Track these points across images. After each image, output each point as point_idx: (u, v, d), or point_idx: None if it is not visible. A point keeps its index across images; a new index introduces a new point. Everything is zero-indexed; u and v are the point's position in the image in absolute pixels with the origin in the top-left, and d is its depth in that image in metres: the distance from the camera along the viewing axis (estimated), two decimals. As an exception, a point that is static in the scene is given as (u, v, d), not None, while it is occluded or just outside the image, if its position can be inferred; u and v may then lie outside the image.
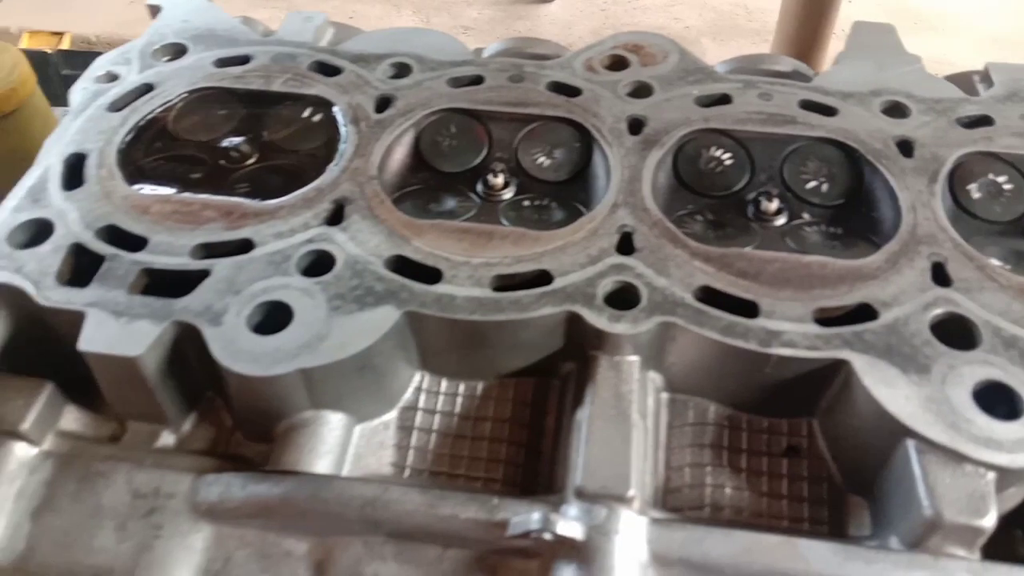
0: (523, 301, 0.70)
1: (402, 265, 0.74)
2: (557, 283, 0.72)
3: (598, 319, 0.69)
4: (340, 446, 0.70)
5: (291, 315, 0.69)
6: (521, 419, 0.74)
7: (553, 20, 4.18)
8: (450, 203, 0.83)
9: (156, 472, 0.70)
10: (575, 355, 0.73)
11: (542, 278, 0.73)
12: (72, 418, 0.74)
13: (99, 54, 2.67)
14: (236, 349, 0.67)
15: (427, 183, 0.87)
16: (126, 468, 0.71)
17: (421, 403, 0.75)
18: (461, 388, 0.76)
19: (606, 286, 0.72)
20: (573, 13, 4.24)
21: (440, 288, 0.72)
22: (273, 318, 0.70)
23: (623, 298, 0.71)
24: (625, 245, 0.76)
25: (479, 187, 0.85)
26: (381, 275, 0.73)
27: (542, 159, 0.87)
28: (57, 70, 2.57)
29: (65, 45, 3.51)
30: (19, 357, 0.76)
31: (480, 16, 4.27)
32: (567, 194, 0.85)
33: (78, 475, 0.71)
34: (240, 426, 0.74)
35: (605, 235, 0.76)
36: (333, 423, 0.70)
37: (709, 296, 0.72)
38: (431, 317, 0.70)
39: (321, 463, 0.69)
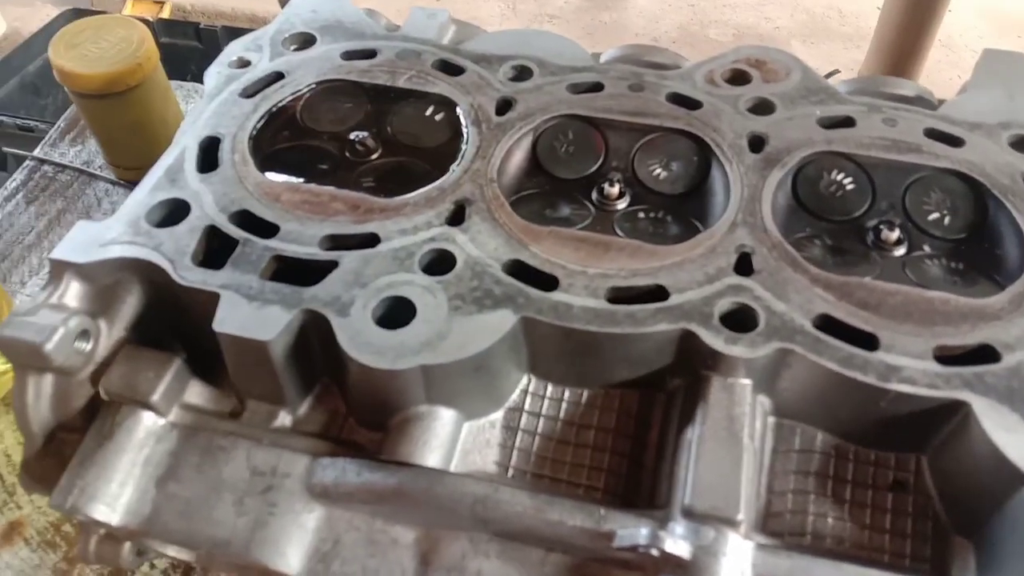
0: (638, 315, 0.71)
1: (520, 270, 0.76)
2: (673, 299, 0.72)
3: (714, 340, 0.69)
4: (450, 441, 0.73)
5: (414, 312, 0.72)
6: (625, 430, 0.75)
7: (640, 12, 4.14)
8: (565, 210, 0.84)
9: (274, 451, 0.74)
10: (684, 372, 0.74)
11: (658, 293, 0.73)
12: (196, 392, 0.78)
13: (195, 24, 2.74)
14: (362, 341, 0.69)
15: (542, 188, 0.88)
16: (246, 445, 0.74)
17: (527, 405, 0.76)
18: (566, 394, 0.77)
19: (723, 306, 0.72)
20: (661, 7, 4.18)
21: (556, 296, 0.73)
22: (397, 313, 0.72)
23: (740, 320, 0.71)
24: (744, 266, 0.76)
25: (594, 195, 0.86)
26: (499, 278, 0.74)
27: (659, 171, 0.88)
28: (156, 38, 2.67)
29: (165, 14, 3.63)
30: (148, 329, 0.81)
31: (567, 5, 4.25)
32: (683, 208, 0.85)
33: (201, 448, 0.75)
34: (354, 413, 0.77)
35: (723, 254, 0.76)
36: (445, 419, 0.73)
37: (828, 325, 0.71)
38: (546, 324, 0.71)
39: (432, 456, 0.71)
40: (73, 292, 0.77)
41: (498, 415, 0.76)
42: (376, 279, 0.74)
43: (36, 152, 1.52)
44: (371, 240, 0.78)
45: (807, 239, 0.82)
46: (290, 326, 0.72)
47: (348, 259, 0.76)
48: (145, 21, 2.57)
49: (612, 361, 0.74)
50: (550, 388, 0.77)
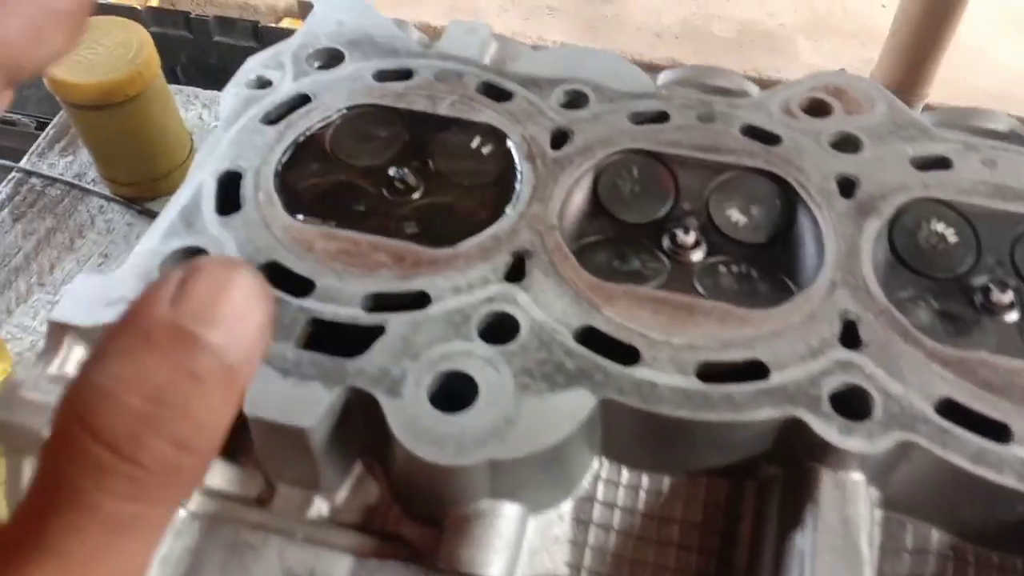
0: (736, 398, 0.62)
1: (593, 338, 0.66)
2: (775, 378, 0.63)
3: (827, 431, 0.60)
4: (516, 541, 0.63)
5: (476, 390, 0.62)
6: (713, 525, 0.66)
7: (642, 6, 4.03)
8: (635, 261, 0.75)
9: (311, 549, 0.64)
10: (782, 459, 0.65)
11: (756, 370, 0.64)
12: (219, 474, 0.68)
13: (184, 13, 2.58)
14: (418, 428, 0.60)
15: (606, 233, 0.78)
16: (278, 542, 0.64)
17: (600, 495, 0.67)
18: (645, 481, 0.67)
19: (833, 387, 0.63)
20: (664, 1, 4.08)
21: (639, 372, 0.63)
22: (456, 391, 0.63)
23: (854, 405, 0.62)
24: (849, 336, 0.66)
25: (665, 242, 0.77)
26: (571, 349, 0.65)
27: (737, 216, 0.78)
28: (145, 25, 2.54)
29: (154, 2, 3.48)
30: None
31: (567, -3, 4.13)
32: (767, 260, 0.76)
33: (226, 544, 0.65)
34: (401, 503, 0.67)
35: (825, 321, 0.67)
36: (510, 515, 0.63)
37: (952, 411, 0.62)
38: (629, 408, 0.62)
39: (497, 560, 0.61)
40: (76, 359, 0.67)
41: (567, 506, 0.67)
42: (429, 348, 0.64)
43: (23, 163, 1.41)
44: (420, 300, 0.68)
45: (910, 301, 0.72)
46: (332, 408, 0.62)
47: (396, 323, 0.66)
48: (132, 9, 2.43)
49: (701, 448, 0.65)
50: (625, 474, 0.68)
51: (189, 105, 1.52)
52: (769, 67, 2.62)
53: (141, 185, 1.37)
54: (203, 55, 2.35)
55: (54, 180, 1.41)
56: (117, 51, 1.18)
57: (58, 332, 0.67)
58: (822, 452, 0.61)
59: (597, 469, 0.68)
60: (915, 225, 0.76)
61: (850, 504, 0.61)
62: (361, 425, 0.65)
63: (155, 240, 0.72)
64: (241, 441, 0.67)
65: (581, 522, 0.66)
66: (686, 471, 0.67)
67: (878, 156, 0.80)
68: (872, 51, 3.02)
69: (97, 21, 1.23)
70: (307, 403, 0.61)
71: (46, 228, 1.39)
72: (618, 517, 0.66)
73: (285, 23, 3.09)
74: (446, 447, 0.59)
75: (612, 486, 0.67)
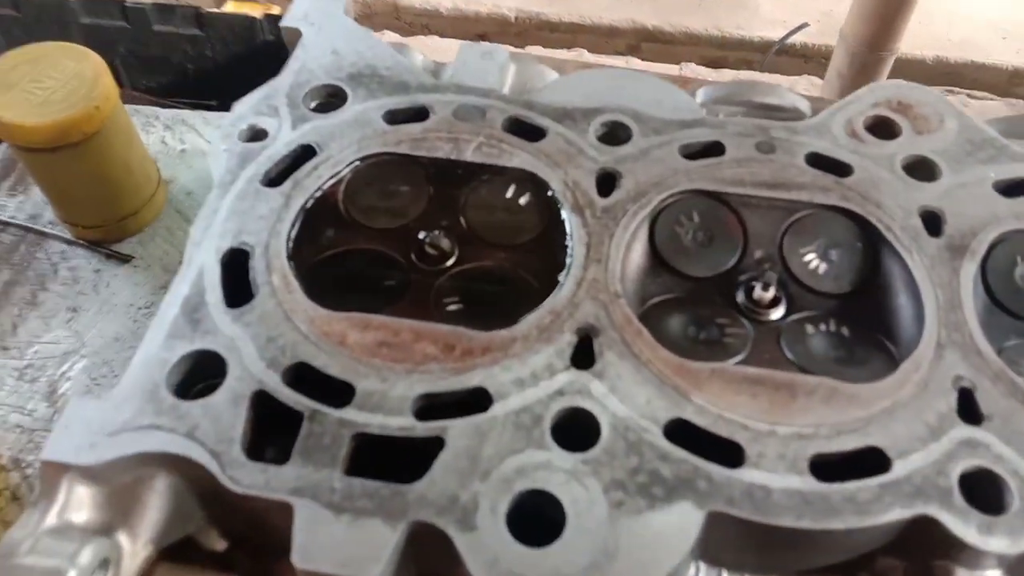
0: (860, 498, 0.54)
1: (687, 434, 0.58)
2: (898, 469, 0.56)
3: (965, 530, 0.53)
4: (617, 677, 0.55)
5: (563, 514, 0.53)
6: (828, 628, 0.59)
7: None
8: (713, 328, 0.66)
9: None
10: (903, 552, 0.58)
11: (875, 459, 0.56)
12: (259, 614, 0.59)
13: (119, 2, 2.38)
14: (505, 571, 0.51)
15: (671, 291, 0.69)
16: None
17: (700, 603, 0.59)
18: (749, 584, 0.60)
19: (962, 475, 0.55)
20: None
21: (747, 474, 0.55)
22: (536, 513, 0.54)
23: (987, 494, 0.55)
24: (968, 409, 0.59)
25: (739, 297, 0.68)
26: (663, 450, 0.56)
27: (816, 262, 0.70)
28: (76, 17, 2.33)
29: (84, -12, 3.23)
30: (181, 528, 0.60)
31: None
32: (854, 312, 0.68)
33: None
34: (475, 632, 0.58)
35: (938, 392, 0.60)
36: (610, 648, 0.55)
37: (1091, 493, 0.56)
38: (743, 521, 0.54)
39: None
40: (78, 502, 0.56)
41: (666, 622, 0.59)
42: (500, 463, 0.55)
43: (-33, 207, 1.26)
44: (480, 398, 0.59)
45: (1015, 351, 0.65)
46: (397, 548, 0.53)
47: (456, 432, 0.57)
48: (61, 2, 2.24)
49: (817, 553, 0.57)
50: (726, 577, 0.60)
51: (149, 128, 1.37)
52: (730, 24, 2.53)
53: (106, 227, 1.23)
54: (143, 46, 2.17)
55: (6, 224, 1.27)
56: (70, 84, 1.04)
57: (53, 474, 0.56)
58: (957, 551, 0.54)
59: (693, 574, 0.60)
60: (1010, 262, 0.69)
61: (995, 610, 0.54)
62: (425, 551, 0.56)
63: (157, 344, 0.61)
64: (281, 572, 0.58)
65: (683, 640, 0.59)
66: (793, 571, 0.60)
67: (959, 184, 0.72)
68: (831, 3, 2.94)
69: (41, 49, 1.09)
70: (368, 549, 0.52)
71: (3, 281, 1.24)
72: (723, 630, 0.59)
73: (228, 7, 2.89)
74: (541, 593, 0.50)
75: (712, 594, 0.60)
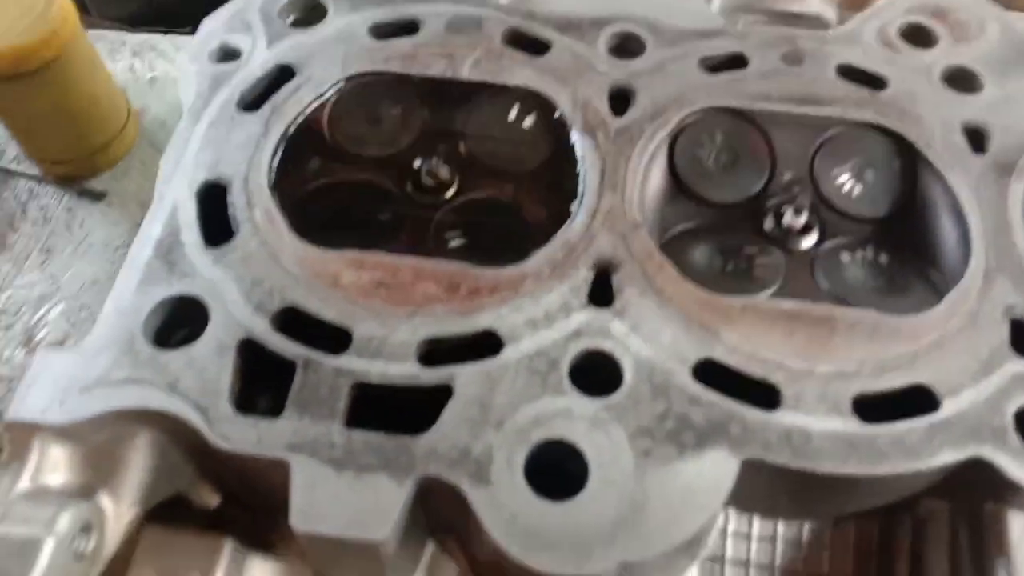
0: (909, 441, 0.50)
1: (718, 375, 0.53)
2: (947, 408, 0.51)
3: (1021, 472, 0.49)
4: (645, 633, 0.52)
5: (585, 465, 0.49)
6: (865, 574, 0.56)
7: None
8: (740, 258, 0.61)
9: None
10: (950, 493, 0.54)
11: (923, 398, 0.52)
12: (260, 574, 0.54)
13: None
14: (523, 527, 0.46)
15: (693, 220, 0.64)
16: (347, 659, 0.52)
17: (729, 552, 0.56)
18: (780, 531, 0.56)
19: (1017, 413, 0.51)
20: None
21: (785, 416, 0.51)
22: (557, 464, 0.49)
23: (1045, 435, 0.51)
24: (1022, 341, 0.54)
25: (767, 224, 0.62)
26: (693, 393, 0.51)
27: (850, 184, 0.64)
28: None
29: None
30: (169, 485, 0.56)
31: None
32: (893, 237, 0.62)
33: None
34: (491, 588, 0.55)
35: (989, 323, 0.55)
36: (637, 604, 0.51)
37: None
38: (782, 468, 0.49)
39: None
40: (53, 464, 0.51)
41: (693, 572, 0.55)
42: (515, 411, 0.50)
43: (-75, 145, 1.17)
44: (490, 342, 0.54)
45: (1068, 276, 0.60)
46: (407, 506, 0.48)
47: (465, 379, 0.52)
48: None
49: (861, 498, 0.53)
50: (757, 525, 0.56)
51: (116, 55, 1.28)
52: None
53: (76, 162, 1.15)
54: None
55: (-33, 163, 1.18)
56: (25, 9, 0.95)
57: (22, 434, 0.50)
58: (1011, 494, 0.50)
59: (724, 522, 0.56)
60: (1060, 180, 0.63)
61: (1049, 554, 0.50)
62: (437, 508, 0.52)
63: (130, 291, 0.55)
64: (281, 528, 0.54)
65: (712, 591, 0.55)
66: (831, 516, 0.56)
67: (1005, 95, 0.66)
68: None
69: (-10, -32, 0.99)
70: (375, 507, 0.47)
71: (-32, 225, 1.16)
72: (755, 580, 0.55)
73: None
74: (564, 552, 0.46)
75: (742, 540, 0.56)
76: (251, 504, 0.57)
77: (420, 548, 0.55)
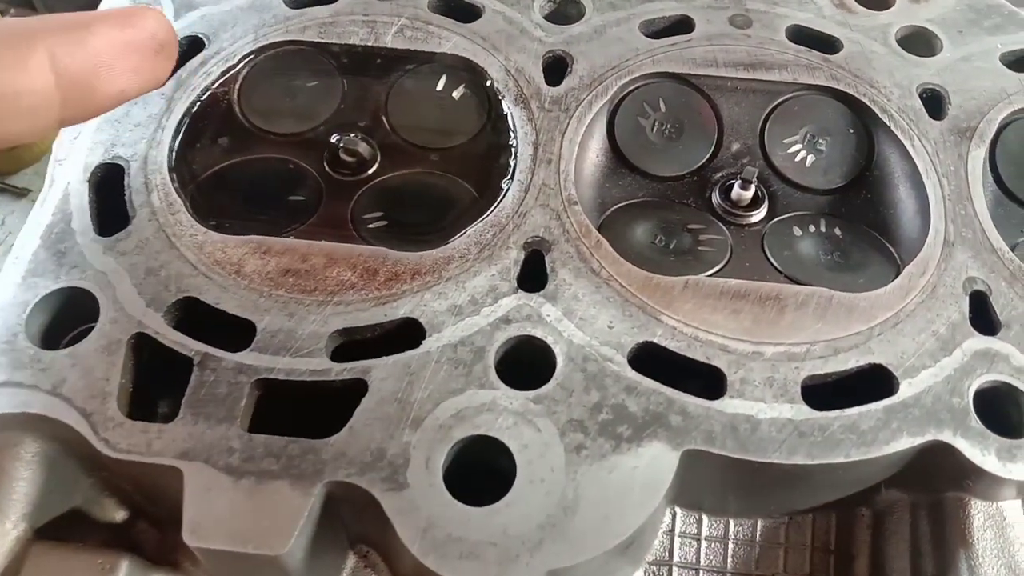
0: (862, 426, 0.46)
1: (657, 360, 0.48)
2: (905, 391, 0.47)
3: (984, 457, 0.45)
4: (584, 645, 0.47)
5: (512, 464, 0.44)
6: (823, 572, 0.52)
7: None
8: (683, 235, 0.56)
9: None
10: (908, 483, 0.50)
11: (878, 379, 0.48)
12: (161, 596, 0.50)
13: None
14: (441, 535, 0.42)
15: (632, 194, 0.59)
16: None
17: (676, 555, 0.51)
18: (732, 529, 0.52)
19: (978, 393, 0.47)
20: None
21: (729, 405, 0.46)
22: (481, 465, 0.45)
23: (1009, 415, 0.47)
24: (983, 316, 0.51)
25: (715, 198, 0.58)
26: (630, 382, 0.47)
27: (802, 153, 0.60)
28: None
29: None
30: (62, 500, 0.51)
31: None
32: (846, 209, 0.58)
33: None
34: (418, 601, 0.50)
35: (948, 298, 0.51)
36: (573, 613, 0.47)
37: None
38: (727, 459, 0.45)
39: None
40: (-77, 480, 0.46)
41: (638, 576, 0.51)
42: (435, 407, 0.46)
43: None
44: (409, 332, 0.49)
45: (1031, 248, 0.57)
46: (311, 516, 0.43)
47: (380, 373, 0.47)
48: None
49: (813, 490, 0.49)
50: (706, 522, 0.52)
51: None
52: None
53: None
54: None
55: None
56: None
57: None
58: (974, 481, 0.47)
59: (669, 523, 0.52)
60: (1023, 145, 0.60)
61: (1014, 545, 0.47)
62: (352, 516, 0.47)
63: (14, 284, 0.50)
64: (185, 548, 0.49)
65: (658, 594, 0.51)
66: (785, 512, 0.52)
67: (963, 57, 0.62)
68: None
69: None
70: (275, 519, 0.42)
71: None
72: (704, 582, 0.51)
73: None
74: (485, 562, 0.41)
75: (691, 542, 0.52)
76: (157, 519, 0.52)
77: (338, 561, 0.50)
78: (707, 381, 0.47)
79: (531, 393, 0.47)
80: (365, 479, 0.44)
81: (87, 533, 0.52)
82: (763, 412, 0.46)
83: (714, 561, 0.51)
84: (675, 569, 0.51)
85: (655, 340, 0.49)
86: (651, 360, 0.48)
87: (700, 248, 0.55)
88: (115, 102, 0.40)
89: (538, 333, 0.49)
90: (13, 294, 0.50)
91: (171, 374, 0.48)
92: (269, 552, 0.42)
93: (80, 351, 0.48)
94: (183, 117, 0.57)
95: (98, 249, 0.51)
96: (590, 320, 0.49)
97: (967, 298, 0.51)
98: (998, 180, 0.58)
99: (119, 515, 0.54)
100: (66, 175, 0.55)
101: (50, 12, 1.41)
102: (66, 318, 0.51)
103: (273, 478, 0.44)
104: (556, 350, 0.48)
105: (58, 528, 0.51)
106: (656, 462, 0.45)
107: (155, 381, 0.49)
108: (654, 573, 0.51)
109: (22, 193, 1.04)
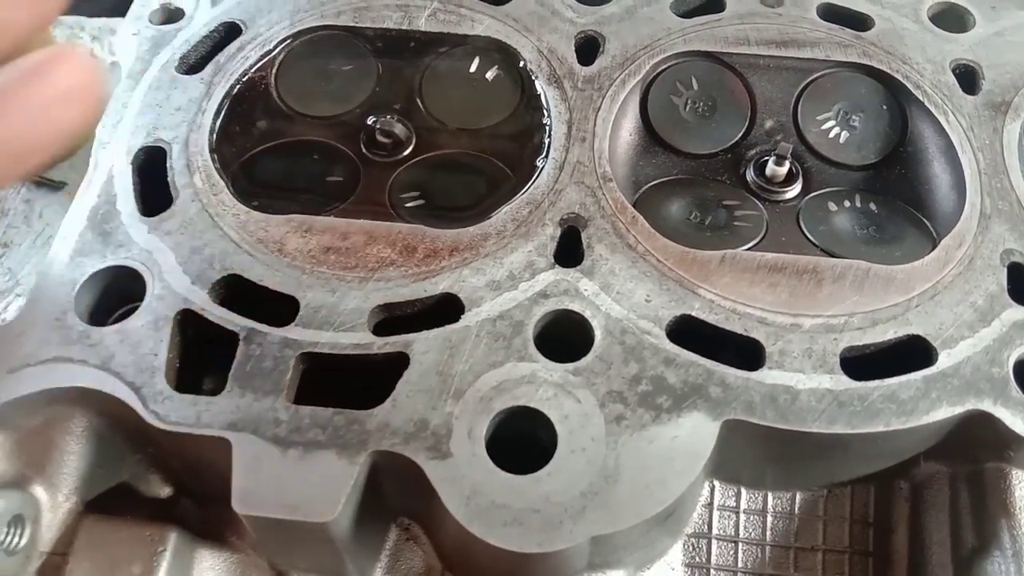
0: (902, 396, 0.46)
1: (695, 333, 0.49)
2: (943, 361, 0.47)
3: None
4: (625, 615, 0.48)
5: (553, 433, 0.45)
6: (861, 545, 0.52)
7: None
8: (718, 211, 0.56)
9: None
10: (949, 454, 0.50)
11: (917, 350, 0.48)
12: (209, 568, 0.51)
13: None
14: (485, 502, 0.43)
15: (667, 172, 0.60)
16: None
17: (715, 527, 0.52)
18: (771, 502, 0.52)
19: (1018, 363, 0.47)
20: None
21: (768, 375, 0.47)
22: (523, 435, 0.45)
23: (1049, 386, 0.47)
24: (1020, 287, 0.50)
25: (749, 175, 0.58)
26: (668, 354, 0.47)
27: (836, 129, 0.60)
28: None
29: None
30: (111, 474, 0.52)
31: None
32: (880, 184, 0.59)
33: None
34: (458, 572, 0.51)
35: (986, 269, 0.51)
36: (614, 583, 0.48)
37: None
38: (766, 428, 0.46)
39: (607, 647, 0.46)
40: (-16, 456, 0.48)
41: (676, 552, 0.51)
42: (475, 380, 0.47)
43: None
44: (450, 307, 0.50)
45: (1070, 219, 0.56)
46: (357, 485, 0.44)
47: (421, 347, 0.48)
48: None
49: (852, 461, 0.50)
50: (745, 496, 0.52)
51: (74, 40, 1.23)
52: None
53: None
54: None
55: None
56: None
57: (-58, 421, 0.47)
58: (1015, 451, 0.47)
59: (708, 495, 0.52)
60: (1059, 118, 0.59)
61: (1057, 515, 0.47)
62: (395, 488, 0.48)
63: (62, 261, 0.51)
64: (233, 520, 0.50)
65: (696, 567, 0.51)
66: (822, 484, 0.52)
67: (996, 32, 0.62)
68: None
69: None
70: (323, 487, 0.43)
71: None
72: (743, 554, 0.51)
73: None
74: (529, 528, 0.42)
75: (729, 515, 0.52)
76: (202, 494, 0.53)
77: (381, 534, 0.51)
78: (746, 353, 0.48)
79: (570, 365, 0.47)
80: (409, 448, 0.44)
81: (134, 508, 0.53)
82: (802, 382, 0.46)
83: (753, 534, 0.52)
84: (714, 542, 0.51)
85: (693, 313, 0.49)
86: (689, 333, 0.49)
87: (736, 224, 0.56)
88: (43, 166, 0.38)
89: (576, 307, 0.49)
90: (61, 273, 0.51)
91: (217, 349, 0.49)
92: (317, 519, 0.42)
93: (128, 327, 0.49)
94: (223, 100, 0.58)
95: (143, 229, 0.52)
96: (627, 294, 0.50)
97: (1005, 270, 0.51)
98: (1034, 153, 0.58)
99: (164, 491, 0.55)
100: (110, 158, 0.56)
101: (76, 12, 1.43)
102: (113, 296, 0.52)
103: (320, 448, 0.44)
104: (594, 323, 0.49)
105: (107, 502, 0.52)
106: (696, 432, 0.45)
107: (202, 356, 0.50)
108: (693, 545, 0.51)
109: (59, 186, 1.06)
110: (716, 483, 0.52)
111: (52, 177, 1.10)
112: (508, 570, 0.46)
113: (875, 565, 0.51)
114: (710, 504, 0.52)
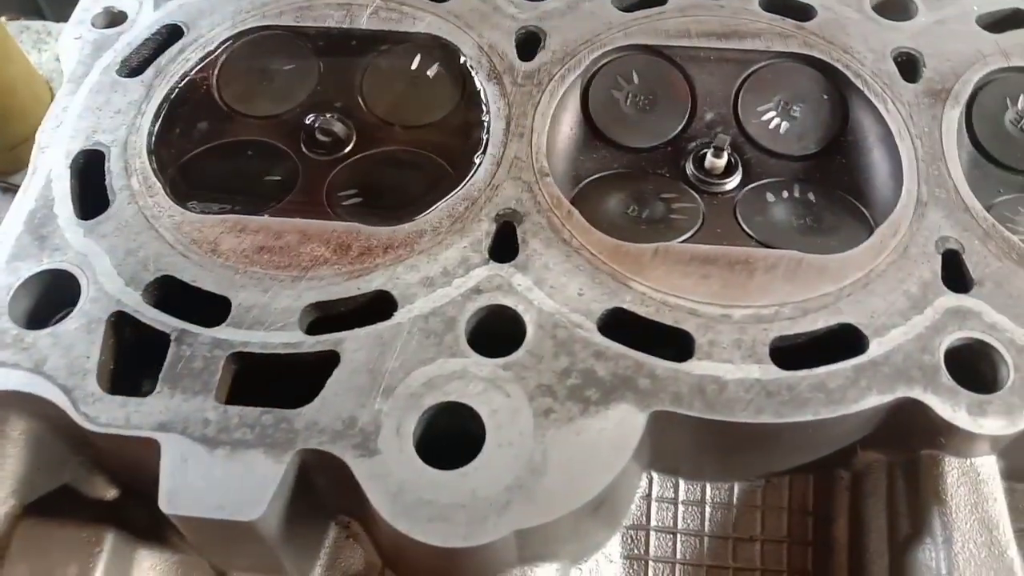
0: (830, 385, 0.46)
1: (626, 326, 0.49)
2: (875, 349, 0.47)
3: (954, 413, 0.45)
4: (561, 608, 0.48)
5: (481, 428, 0.45)
6: (801, 535, 0.52)
7: None
8: (657, 202, 0.57)
9: (291, 658, 0.48)
10: (885, 443, 0.50)
11: (848, 339, 0.48)
12: (150, 568, 0.51)
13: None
14: (411, 499, 0.43)
15: (609, 167, 0.60)
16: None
17: (654, 519, 0.52)
18: (709, 493, 0.52)
19: (952, 352, 0.47)
20: None
21: (697, 366, 0.47)
22: (453, 432, 0.45)
23: (981, 370, 0.47)
24: (956, 274, 0.50)
25: (689, 168, 0.58)
26: (599, 347, 0.47)
27: (776, 120, 0.60)
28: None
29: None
30: (49, 477, 0.52)
31: None
32: (819, 174, 0.59)
33: (175, 668, 0.48)
34: (397, 569, 0.51)
35: (920, 257, 0.51)
36: (547, 576, 0.48)
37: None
38: (694, 420, 0.46)
39: (541, 640, 0.46)
40: (-91, 459, 0.48)
41: (614, 545, 0.51)
42: (406, 376, 0.47)
43: None
44: (382, 304, 0.50)
45: (1008, 208, 0.56)
46: (284, 485, 0.44)
47: (352, 344, 0.48)
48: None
49: (786, 452, 0.50)
50: (683, 487, 0.52)
51: (41, 45, 1.23)
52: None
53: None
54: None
55: None
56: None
57: None
58: (947, 438, 0.47)
59: (646, 487, 0.52)
60: (998, 106, 0.59)
61: (988, 500, 0.47)
62: (328, 486, 0.48)
63: (-3, 267, 0.51)
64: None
65: (636, 559, 0.51)
66: (760, 475, 0.52)
67: (938, 20, 0.62)
68: None
69: None
70: (249, 487, 0.43)
71: None
72: (681, 546, 0.51)
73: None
74: (454, 523, 0.42)
75: (667, 506, 0.52)
76: (144, 495, 0.53)
77: (318, 533, 0.51)
78: (676, 345, 0.48)
79: (501, 360, 0.47)
80: (337, 446, 0.44)
81: (78, 510, 0.53)
82: (730, 373, 0.46)
83: (691, 525, 0.52)
84: (652, 533, 0.51)
85: (624, 306, 0.49)
86: (621, 326, 0.49)
87: (672, 216, 0.56)
88: None
89: (508, 302, 0.49)
90: (-1, 278, 0.51)
91: (154, 351, 0.49)
92: (243, 518, 0.42)
93: (61, 330, 0.49)
94: (162, 103, 0.58)
95: (79, 232, 0.52)
96: (560, 288, 0.50)
97: (939, 257, 0.51)
98: (975, 141, 0.58)
99: (110, 493, 0.55)
100: (48, 162, 0.56)
101: (59, 20, 1.42)
102: (51, 300, 0.52)
103: (247, 447, 0.44)
104: (526, 318, 0.49)
105: (49, 505, 0.52)
106: (623, 424, 0.45)
107: (137, 358, 0.50)
108: (631, 537, 0.51)
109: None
110: (654, 475, 0.52)
111: (16, 183, 1.09)
112: (439, 565, 0.46)
113: (815, 554, 0.51)
114: (648, 496, 0.52)
